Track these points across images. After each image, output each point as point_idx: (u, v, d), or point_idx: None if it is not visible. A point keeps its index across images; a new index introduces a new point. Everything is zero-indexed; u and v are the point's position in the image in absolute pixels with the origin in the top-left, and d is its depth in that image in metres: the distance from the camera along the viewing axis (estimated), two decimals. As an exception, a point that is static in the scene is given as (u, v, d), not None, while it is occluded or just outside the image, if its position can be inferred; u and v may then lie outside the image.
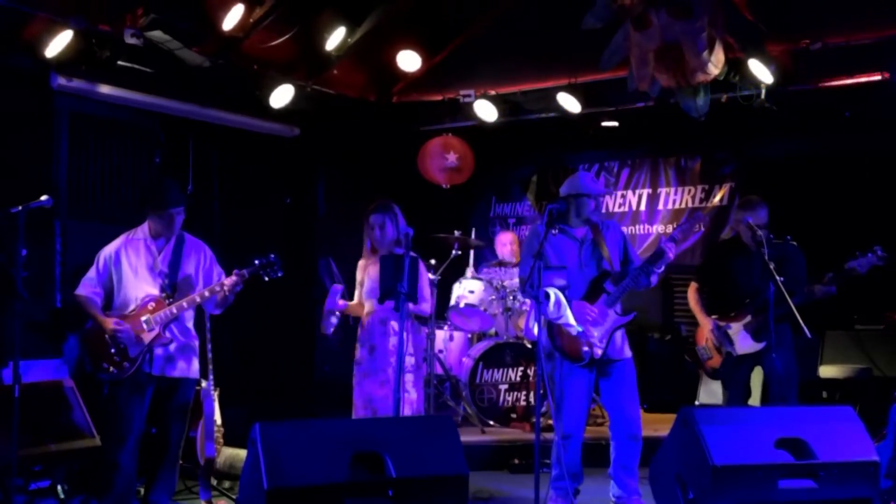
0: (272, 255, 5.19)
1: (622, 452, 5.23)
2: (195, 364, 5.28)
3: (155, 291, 5.15)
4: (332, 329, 5.72)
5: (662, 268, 5.22)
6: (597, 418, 7.24)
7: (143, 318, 5.08)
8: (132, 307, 5.15)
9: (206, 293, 5.11)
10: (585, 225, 5.35)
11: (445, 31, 7.93)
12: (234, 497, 5.59)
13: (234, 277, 5.11)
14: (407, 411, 5.50)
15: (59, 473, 5.44)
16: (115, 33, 6.20)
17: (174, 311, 5.10)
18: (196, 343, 5.33)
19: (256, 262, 5.17)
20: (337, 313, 5.70)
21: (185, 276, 5.25)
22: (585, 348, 5.16)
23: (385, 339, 5.61)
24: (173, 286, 5.19)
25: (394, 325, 5.59)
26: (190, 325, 5.31)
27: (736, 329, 5.82)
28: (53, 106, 6.54)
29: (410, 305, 5.58)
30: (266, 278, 5.20)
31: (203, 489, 5.57)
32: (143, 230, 5.28)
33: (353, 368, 5.75)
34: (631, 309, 5.30)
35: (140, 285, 5.17)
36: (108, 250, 5.24)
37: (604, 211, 8.51)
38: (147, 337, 5.07)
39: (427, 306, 5.95)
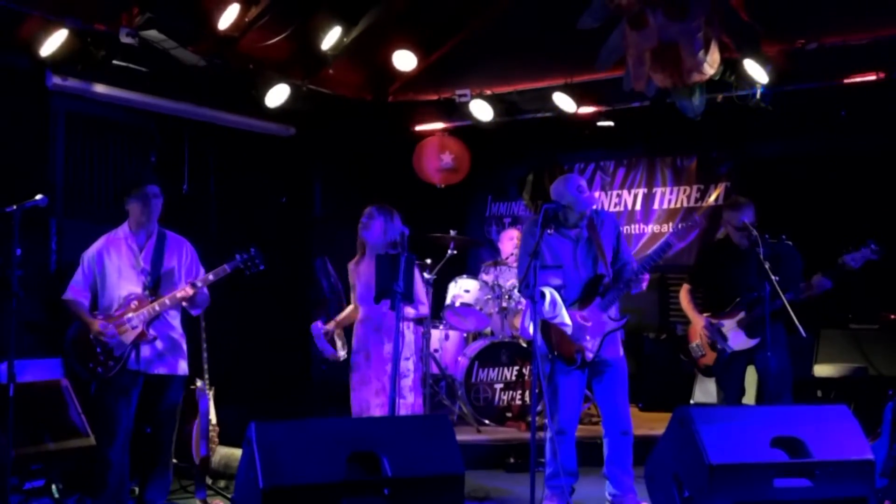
0: (252, 249, 5.18)
1: (614, 448, 5.27)
2: (183, 361, 5.27)
3: (137, 289, 5.15)
4: (330, 350, 5.76)
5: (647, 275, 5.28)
6: (592, 417, 7.24)
7: (127, 317, 5.08)
8: (116, 306, 5.16)
9: (178, 295, 5.10)
10: (578, 224, 5.36)
11: (441, 31, 7.93)
12: (229, 496, 5.59)
13: (187, 289, 5.10)
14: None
15: (54, 473, 5.43)
16: (111, 32, 6.19)
17: (157, 308, 5.10)
18: (183, 340, 5.32)
19: (238, 256, 5.17)
20: (327, 331, 5.74)
21: (168, 272, 5.24)
22: (577, 352, 5.19)
23: (380, 347, 5.58)
24: (156, 283, 5.18)
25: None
26: (176, 322, 5.30)
27: (729, 326, 5.82)
28: (49, 105, 6.53)
29: (411, 311, 5.57)
30: (247, 272, 5.19)
31: (198, 488, 5.56)
32: (123, 229, 5.28)
33: (349, 370, 5.73)
34: (627, 309, 5.36)
35: (123, 284, 5.17)
36: (91, 252, 5.25)
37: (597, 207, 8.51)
38: (131, 335, 5.07)
39: (424, 308, 5.94)
